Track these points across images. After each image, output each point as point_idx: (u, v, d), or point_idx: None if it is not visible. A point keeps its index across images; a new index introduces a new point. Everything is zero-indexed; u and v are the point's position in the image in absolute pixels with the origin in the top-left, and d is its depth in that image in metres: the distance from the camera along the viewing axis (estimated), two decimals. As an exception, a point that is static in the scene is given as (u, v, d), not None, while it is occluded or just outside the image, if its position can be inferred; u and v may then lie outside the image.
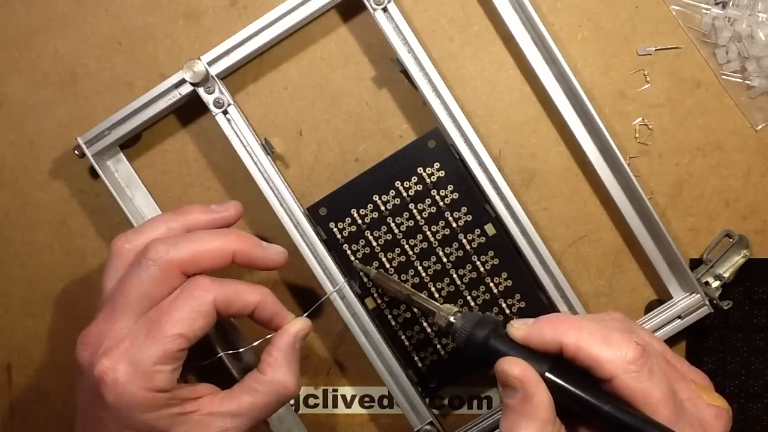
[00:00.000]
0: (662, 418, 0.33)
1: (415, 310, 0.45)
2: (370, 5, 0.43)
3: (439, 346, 0.45)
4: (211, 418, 0.37)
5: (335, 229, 0.44)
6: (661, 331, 0.45)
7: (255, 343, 0.41)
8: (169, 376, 0.36)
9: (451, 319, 0.38)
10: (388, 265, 0.44)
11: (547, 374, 0.34)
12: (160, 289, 0.37)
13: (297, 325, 0.40)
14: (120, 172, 0.47)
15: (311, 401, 0.49)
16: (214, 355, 0.43)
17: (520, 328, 0.35)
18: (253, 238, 0.40)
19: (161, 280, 0.37)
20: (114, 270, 0.39)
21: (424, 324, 0.45)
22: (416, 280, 0.45)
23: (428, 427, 0.44)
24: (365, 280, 0.44)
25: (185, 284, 0.38)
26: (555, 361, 0.35)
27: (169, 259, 0.37)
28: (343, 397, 0.49)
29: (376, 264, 0.44)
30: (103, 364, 0.36)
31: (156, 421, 0.36)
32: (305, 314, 0.42)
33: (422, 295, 0.41)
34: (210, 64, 0.44)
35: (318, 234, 0.44)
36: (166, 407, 0.36)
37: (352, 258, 0.44)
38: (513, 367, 0.34)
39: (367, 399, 0.49)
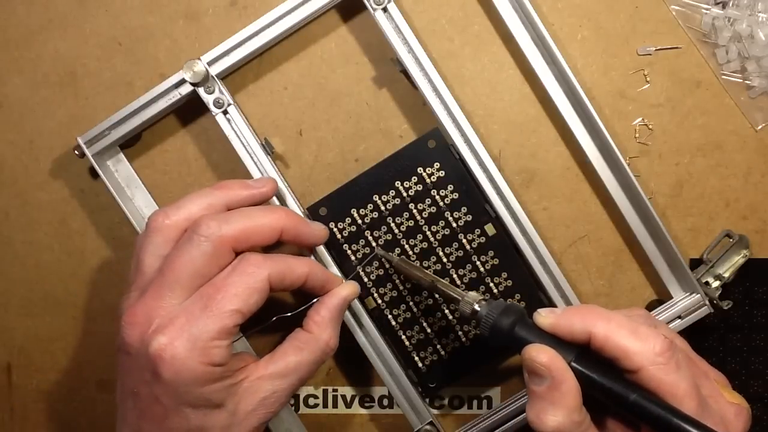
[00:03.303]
0: (688, 410, 0.33)
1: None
2: (370, 5, 0.43)
3: (439, 346, 0.45)
4: (260, 383, 0.38)
5: (335, 229, 0.44)
6: (661, 331, 0.45)
7: (304, 307, 0.41)
8: (225, 351, 0.36)
9: (476, 306, 0.38)
10: (388, 266, 0.44)
11: (573, 363, 0.34)
12: (211, 265, 0.37)
13: (347, 288, 0.41)
14: (120, 172, 0.47)
15: (311, 401, 0.49)
16: (268, 320, 0.42)
17: (547, 317, 0.36)
18: (298, 214, 0.40)
19: (213, 257, 0.37)
20: (154, 246, 0.38)
21: (424, 324, 0.45)
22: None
23: (428, 427, 0.44)
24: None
25: (237, 261, 0.38)
26: (580, 351, 0.35)
27: (221, 235, 0.37)
28: (343, 397, 0.49)
29: (375, 264, 0.44)
30: (159, 341, 0.35)
31: (212, 394, 0.36)
32: (350, 277, 0.43)
33: (445, 281, 0.41)
34: (210, 64, 0.44)
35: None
36: (221, 380, 0.36)
37: (374, 244, 0.44)
38: (541, 354, 0.34)
39: (367, 399, 0.49)
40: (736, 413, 0.35)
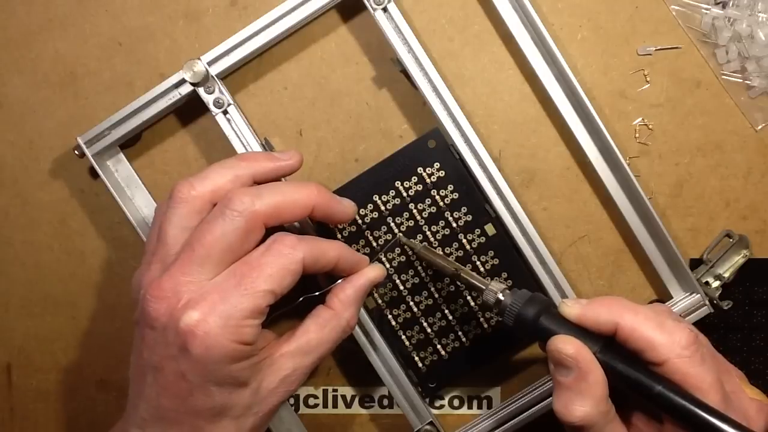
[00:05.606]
0: (712, 403, 0.33)
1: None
2: (370, 5, 0.43)
3: (439, 346, 0.45)
4: (282, 360, 0.37)
5: (335, 229, 0.44)
6: (661, 331, 0.45)
7: (331, 286, 0.40)
8: (256, 330, 0.36)
9: (500, 296, 0.37)
10: (388, 265, 0.44)
11: (599, 354, 0.34)
12: (243, 242, 0.36)
13: (375, 270, 0.41)
14: (120, 172, 0.47)
15: (311, 401, 0.49)
16: (296, 300, 0.41)
17: (573, 307, 0.36)
18: (329, 191, 0.39)
19: (246, 233, 0.36)
20: (179, 217, 0.37)
21: (424, 324, 0.45)
22: (416, 280, 0.45)
23: (428, 427, 0.44)
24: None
25: (271, 240, 0.37)
26: (604, 342, 0.35)
27: (255, 210, 0.36)
28: (343, 397, 0.49)
29: (391, 254, 0.44)
30: (191, 316, 0.35)
31: (239, 372, 0.36)
32: (375, 258, 0.43)
33: (468, 270, 0.40)
34: (210, 64, 0.44)
35: (318, 234, 0.44)
36: (248, 358, 0.36)
37: (397, 231, 0.44)
38: (567, 345, 0.34)
39: (367, 399, 0.49)
40: (757, 409, 0.35)
